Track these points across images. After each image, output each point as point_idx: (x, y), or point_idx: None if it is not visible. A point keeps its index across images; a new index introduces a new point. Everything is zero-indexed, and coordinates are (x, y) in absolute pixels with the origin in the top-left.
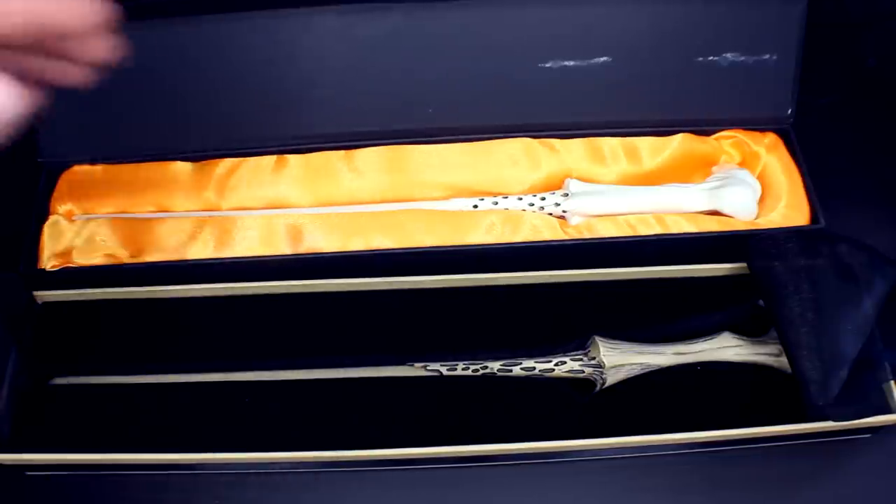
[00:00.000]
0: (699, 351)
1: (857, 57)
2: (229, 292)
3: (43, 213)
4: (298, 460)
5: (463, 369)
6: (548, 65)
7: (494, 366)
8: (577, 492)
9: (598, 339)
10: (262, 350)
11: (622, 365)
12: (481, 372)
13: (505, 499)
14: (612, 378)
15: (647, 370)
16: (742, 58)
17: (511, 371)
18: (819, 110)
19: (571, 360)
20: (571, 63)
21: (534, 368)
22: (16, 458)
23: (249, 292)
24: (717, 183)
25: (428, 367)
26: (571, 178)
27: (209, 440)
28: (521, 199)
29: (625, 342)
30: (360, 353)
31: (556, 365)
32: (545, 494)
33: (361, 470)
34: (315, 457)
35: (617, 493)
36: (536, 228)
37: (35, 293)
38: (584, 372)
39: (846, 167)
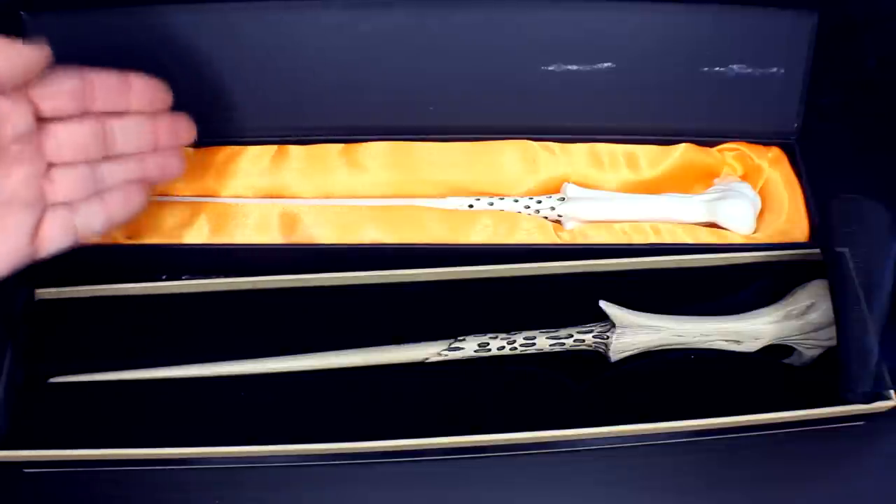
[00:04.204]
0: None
1: (859, 58)
2: (226, 287)
3: None
4: (293, 453)
5: (498, 349)
6: (551, 68)
7: (518, 338)
8: (574, 481)
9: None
10: (260, 344)
11: (632, 327)
12: (507, 347)
13: (501, 489)
14: (620, 345)
15: (660, 343)
16: (749, 70)
17: (534, 343)
18: (820, 111)
19: (584, 333)
20: (575, 67)
21: (553, 339)
22: (13, 454)
23: (246, 287)
24: (717, 195)
25: (451, 346)
26: (570, 182)
27: (208, 435)
28: (517, 201)
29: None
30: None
31: (575, 334)
32: (541, 484)
33: (355, 463)
34: (307, 450)
35: (613, 482)
36: (530, 232)
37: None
38: (597, 337)
39: (849, 178)
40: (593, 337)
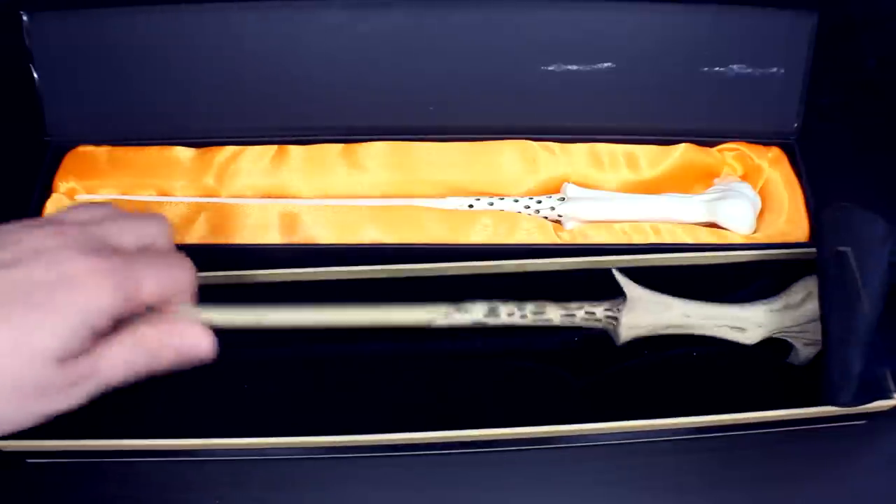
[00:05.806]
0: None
1: (859, 58)
2: (227, 280)
3: (46, 191)
4: (293, 446)
5: (508, 314)
6: (551, 68)
7: (528, 308)
8: (573, 479)
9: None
10: (260, 343)
11: (642, 301)
12: (517, 313)
13: (500, 485)
14: (629, 320)
15: (668, 324)
16: (749, 70)
17: (544, 313)
18: (820, 111)
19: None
20: (575, 67)
21: (564, 311)
22: (15, 444)
23: (247, 280)
24: (717, 195)
25: (459, 309)
26: (570, 182)
27: (211, 427)
28: (517, 200)
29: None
30: (354, 347)
31: (586, 307)
32: (539, 480)
33: (353, 457)
34: (305, 443)
35: (613, 480)
36: (530, 232)
37: None
38: (608, 310)
39: (849, 178)
40: (604, 310)
